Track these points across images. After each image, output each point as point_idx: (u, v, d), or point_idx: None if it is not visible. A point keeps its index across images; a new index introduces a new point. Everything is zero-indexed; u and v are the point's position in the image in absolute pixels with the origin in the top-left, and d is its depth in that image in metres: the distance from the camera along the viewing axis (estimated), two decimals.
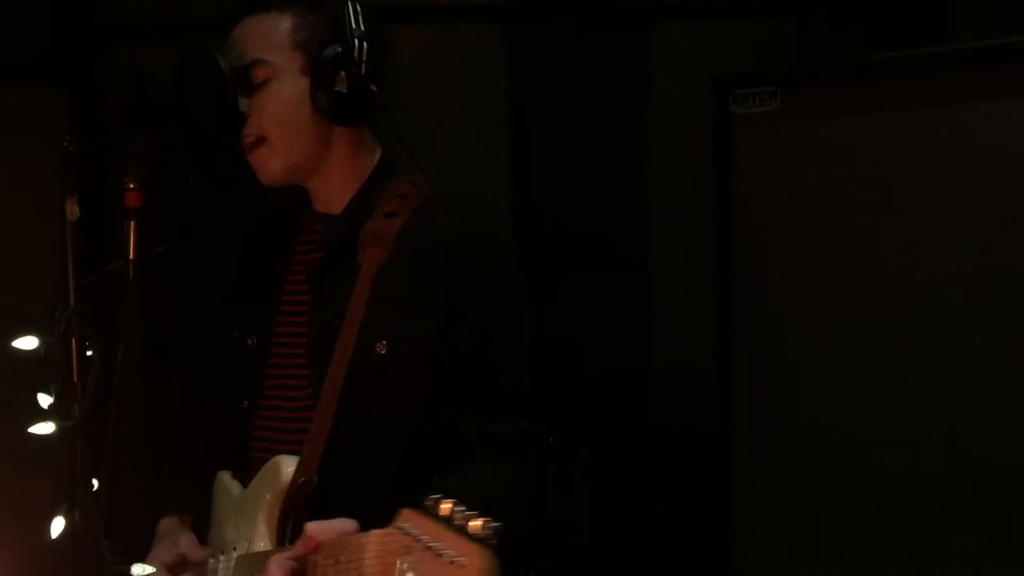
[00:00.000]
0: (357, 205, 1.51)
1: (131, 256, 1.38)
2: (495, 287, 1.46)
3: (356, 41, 1.45)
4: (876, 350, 2.33)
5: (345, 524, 1.22)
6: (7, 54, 2.51)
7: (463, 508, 0.98)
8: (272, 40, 1.46)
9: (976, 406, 2.21)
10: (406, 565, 1.00)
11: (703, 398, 2.70)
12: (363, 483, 1.37)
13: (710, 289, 2.64)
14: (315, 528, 1.22)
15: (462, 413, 1.44)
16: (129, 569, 1.38)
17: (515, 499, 1.39)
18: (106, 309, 1.35)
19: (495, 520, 0.96)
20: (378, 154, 1.55)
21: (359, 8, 1.47)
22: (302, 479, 1.40)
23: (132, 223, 1.39)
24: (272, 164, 1.49)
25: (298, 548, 1.23)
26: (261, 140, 1.48)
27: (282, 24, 1.47)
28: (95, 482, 1.34)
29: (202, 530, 1.57)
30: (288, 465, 1.42)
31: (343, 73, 1.44)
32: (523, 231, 2.82)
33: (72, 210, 1.32)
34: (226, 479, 1.56)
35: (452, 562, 0.96)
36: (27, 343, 1.26)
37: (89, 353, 1.32)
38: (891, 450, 2.31)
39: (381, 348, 1.42)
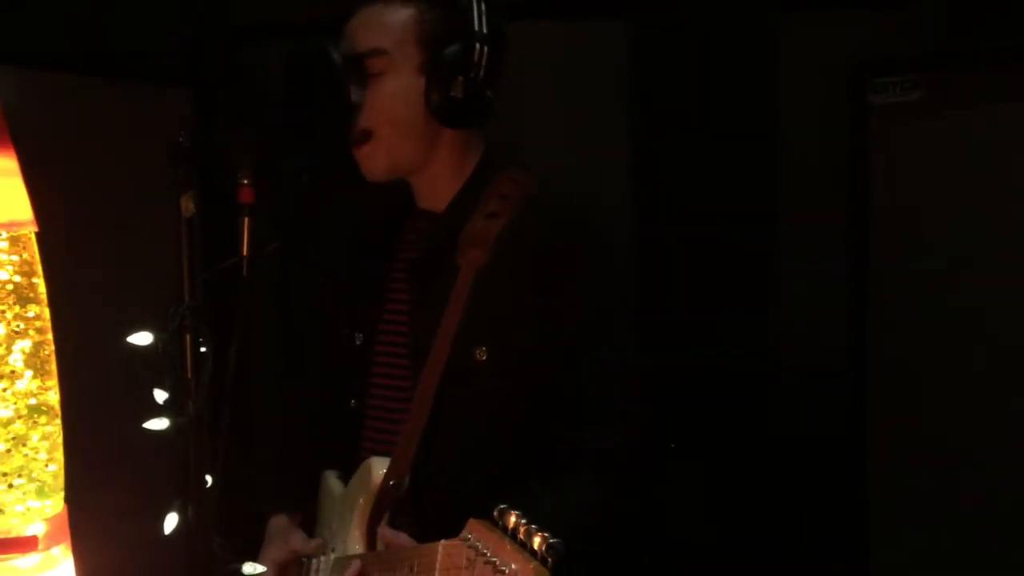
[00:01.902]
0: (458, 204, 1.48)
1: (244, 253, 1.37)
2: (592, 293, 1.42)
3: (478, 44, 1.41)
4: (1018, 357, 2.20)
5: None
6: (135, 54, 2.58)
7: (527, 522, 0.99)
8: (392, 31, 1.43)
9: None
10: (471, 573, 1.03)
11: (833, 402, 2.60)
12: (455, 487, 1.35)
13: (842, 289, 2.53)
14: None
15: (559, 420, 1.40)
16: (240, 567, 1.37)
17: (607, 511, 1.37)
18: (220, 306, 1.34)
19: (565, 536, 0.96)
20: (482, 151, 1.51)
21: (484, 7, 1.42)
22: (392, 481, 1.38)
23: (246, 219, 1.38)
24: (376, 160, 1.47)
25: None
26: (368, 135, 1.45)
27: (405, 16, 1.43)
28: (208, 479, 1.33)
29: (309, 529, 1.57)
30: (380, 467, 1.41)
31: (460, 77, 1.40)
32: (647, 230, 2.77)
33: (187, 206, 1.32)
34: (331, 479, 1.56)
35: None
36: (142, 339, 1.26)
37: (203, 349, 1.32)
38: None
39: (480, 354, 1.39)
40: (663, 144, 2.89)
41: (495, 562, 1.00)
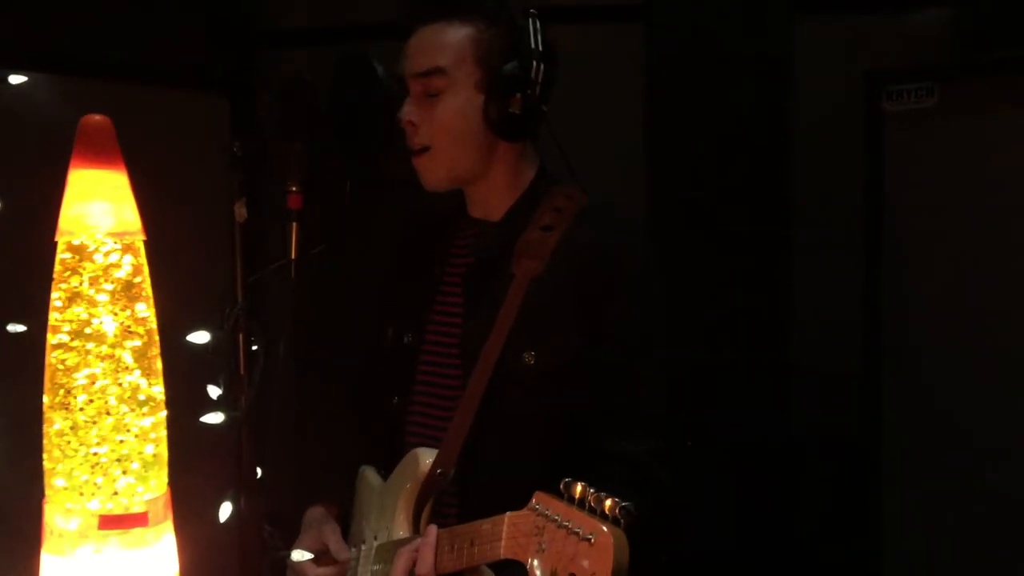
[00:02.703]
0: (514, 215, 1.54)
1: (292, 256, 1.44)
2: (640, 308, 1.48)
3: (535, 61, 1.47)
4: None
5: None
6: (169, 60, 2.65)
7: (594, 491, 1.03)
8: (453, 51, 1.47)
9: None
10: (540, 543, 1.07)
11: (845, 404, 2.64)
12: (498, 480, 1.39)
13: (856, 293, 2.58)
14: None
15: (596, 428, 1.46)
16: (289, 555, 1.44)
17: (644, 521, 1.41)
18: (271, 306, 1.41)
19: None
20: (537, 165, 1.58)
21: (539, 25, 1.48)
22: (439, 470, 1.44)
23: (294, 224, 1.45)
24: (436, 171, 1.52)
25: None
26: (427, 148, 1.51)
27: (464, 35, 1.47)
28: (259, 470, 1.40)
29: (346, 522, 1.63)
30: (427, 457, 1.47)
31: (519, 93, 1.47)
32: (661, 232, 2.81)
33: (240, 211, 1.39)
34: (369, 473, 1.62)
35: (583, 539, 1.01)
36: (200, 337, 1.33)
37: (255, 348, 1.39)
38: None
39: (529, 358, 1.45)
40: (679, 147, 2.93)
41: (567, 526, 1.03)
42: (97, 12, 2.49)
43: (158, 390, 0.94)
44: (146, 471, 0.93)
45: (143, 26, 2.56)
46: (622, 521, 1.00)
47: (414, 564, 1.35)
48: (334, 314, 1.72)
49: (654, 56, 2.95)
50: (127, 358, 0.89)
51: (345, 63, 1.54)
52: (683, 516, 1.56)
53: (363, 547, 1.57)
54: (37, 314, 0.99)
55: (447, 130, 1.49)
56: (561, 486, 1.07)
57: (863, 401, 2.58)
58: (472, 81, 1.47)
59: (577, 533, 1.03)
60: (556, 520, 1.06)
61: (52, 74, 2.21)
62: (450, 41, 1.47)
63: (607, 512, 1.01)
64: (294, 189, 1.45)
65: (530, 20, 1.48)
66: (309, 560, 1.51)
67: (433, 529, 1.37)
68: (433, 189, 1.54)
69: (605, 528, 1.00)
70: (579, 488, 1.05)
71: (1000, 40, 2.54)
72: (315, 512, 1.63)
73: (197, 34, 2.80)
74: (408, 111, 1.48)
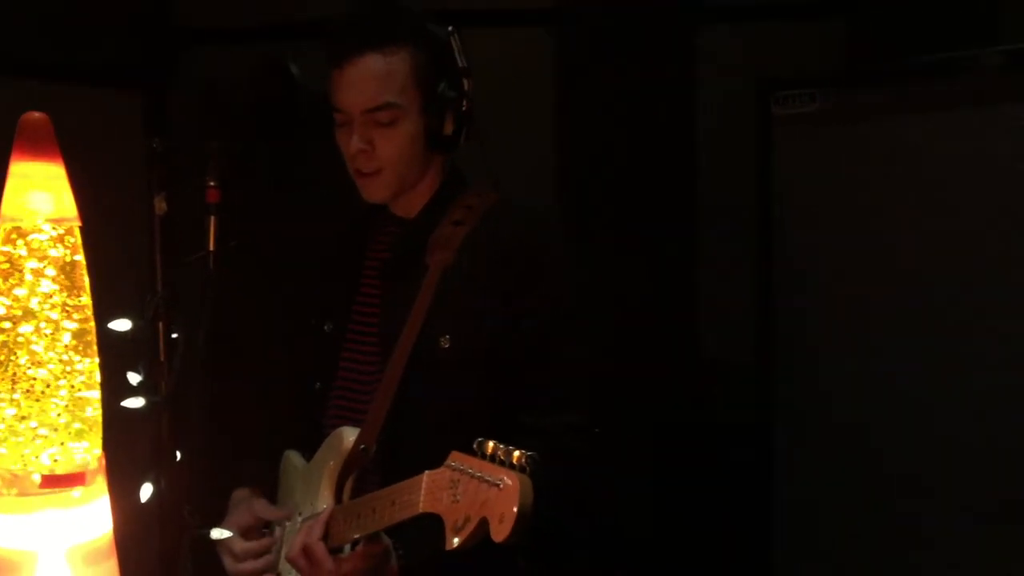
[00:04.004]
0: (428, 213, 1.64)
1: (211, 248, 1.51)
2: (551, 294, 1.59)
3: (464, 79, 1.58)
4: (912, 349, 2.37)
5: None
6: (84, 57, 2.65)
7: (504, 446, 1.15)
8: (399, 82, 1.55)
9: (1017, 403, 2.22)
10: (455, 495, 1.19)
11: (746, 394, 2.76)
12: (417, 454, 1.47)
13: (750, 286, 2.70)
14: None
15: (514, 407, 1.56)
16: (208, 532, 1.51)
17: (564, 491, 1.48)
18: (190, 296, 1.48)
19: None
20: (450, 166, 1.68)
21: (460, 43, 1.58)
22: (361, 446, 1.53)
23: (212, 218, 1.52)
24: (383, 190, 1.62)
25: None
26: (379, 171, 1.60)
27: (404, 64, 1.55)
28: (178, 453, 1.46)
29: (271, 503, 1.69)
30: (350, 435, 1.56)
31: (453, 111, 1.57)
32: (569, 232, 2.91)
33: (160, 205, 1.45)
34: (293, 456, 1.70)
35: (493, 485, 1.13)
36: (121, 325, 1.39)
37: (175, 336, 1.45)
38: (926, 446, 2.35)
39: (444, 342, 1.55)
40: (586, 149, 3.04)
41: (480, 476, 1.15)
42: (17, 9, 2.49)
43: (91, 363, 1.02)
44: (84, 436, 1.01)
45: (64, 24, 2.57)
46: (528, 469, 1.12)
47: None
48: (253, 305, 1.78)
49: (562, 61, 3.06)
50: (67, 338, 0.97)
51: (262, 65, 1.61)
52: (601, 491, 1.66)
53: (287, 524, 1.65)
54: None
55: (401, 155, 1.58)
56: (475, 445, 1.19)
57: (758, 390, 2.70)
58: (416, 107, 1.57)
59: (488, 481, 1.14)
60: (469, 472, 1.17)
61: None
62: (394, 72, 1.55)
63: (515, 462, 1.13)
64: (212, 184, 1.51)
65: (453, 40, 1.58)
66: (237, 536, 1.59)
67: (329, 506, 1.48)
68: (375, 202, 1.64)
69: (512, 475, 1.12)
70: (491, 444, 1.17)
71: (880, 50, 2.72)
72: (241, 493, 1.71)
73: (118, 32, 2.80)
74: (358, 141, 1.56)
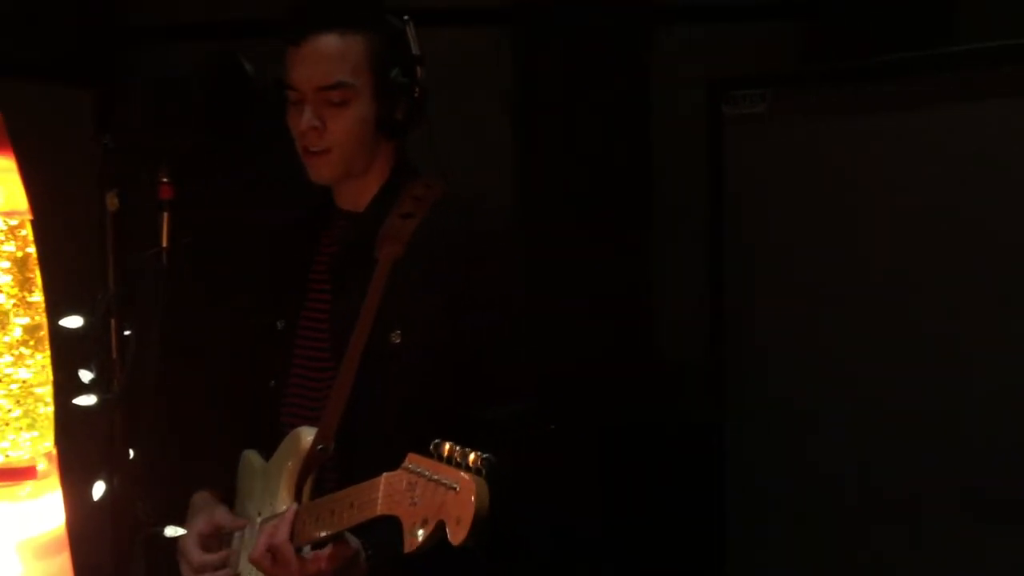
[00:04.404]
0: (377, 205, 1.65)
1: (164, 245, 1.51)
2: (497, 286, 1.60)
3: (417, 65, 1.59)
4: (863, 346, 2.40)
5: None
6: (34, 53, 2.62)
7: (460, 448, 1.17)
8: (353, 62, 1.56)
9: (960, 398, 2.26)
10: (413, 497, 1.20)
11: (699, 392, 2.79)
12: (375, 452, 1.46)
13: (704, 284, 2.73)
14: None
15: (466, 400, 1.56)
16: (162, 530, 1.51)
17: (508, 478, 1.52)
18: (143, 293, 1.47)
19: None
20: (399, 157, 1.68)
21: (414, 30, 1.59)
22: (319, 446, 1.54)
23: (165, 214, 1.52)
24: (332, 169, 1.62)
25: None
26: (328, 150, 1.60)
27: (360, 46, 1.56)
28: (131, 451, 1.46)
29: (230, 503, 1.69)
30: (307, 435, 1.56)
31: (405, 97, 1.58)
32: (526, 229, 2.93)
33: (112, 201, 1.45)
34: (252, 456, 1.69)
35: (450, 488, 1.15)
36: (73, 322, 1.38)
37: (127, 333, 1.45)
38: (878, 441, 2.38)
39: (395, 337, 1.56)
40: (545, 148, 3.06)
41: (436, 479, 1.17)
42: None
43: (43, 357, 1.01)
44: (34, 430, 1.00)
45: (12, 19, 2.54)
46: (484, 471, 1.14)
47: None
48: (206, 302, 1.78)
49: (519, 60, 3.08)
50: (17, 332, 0.96)
51: (214, 61, 1.61)
52: (549, 484, 1.68)
53: (247, 528, 1.64)
54: None
55: (351, 136, 1.58)
56: (431, 446, 1.20)
57: (711, 388, 2.73)
58: (369, 90, 1.57)
59: (444, 484, 1.16)
60: (427, 475, 1.19)
61: None
62: (350, 52, 1.56)
63: (471, 464, 1.15)
64: (165, 180, 1.51)
65: (408, 28, 1.59)
66: (196, 546, 1.58)
67: (294, 506, 1.47)
68: (321, 183, 1.64)
69: (468, 477, 1.14)
70: (447, 446, 1.18)
71: (828, 53, 2.77)
72: (202, 497, 1.69)
73: (69, 27, 2.78)
74: (310, 119, 1.56)
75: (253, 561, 1.48)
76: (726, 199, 2.62)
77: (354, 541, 1.44)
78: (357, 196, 1.67)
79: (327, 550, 1.42)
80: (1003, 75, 2.21)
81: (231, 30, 2.89)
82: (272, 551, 1.45)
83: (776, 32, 3.00)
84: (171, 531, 1.52)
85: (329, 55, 1.56)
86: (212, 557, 1.61)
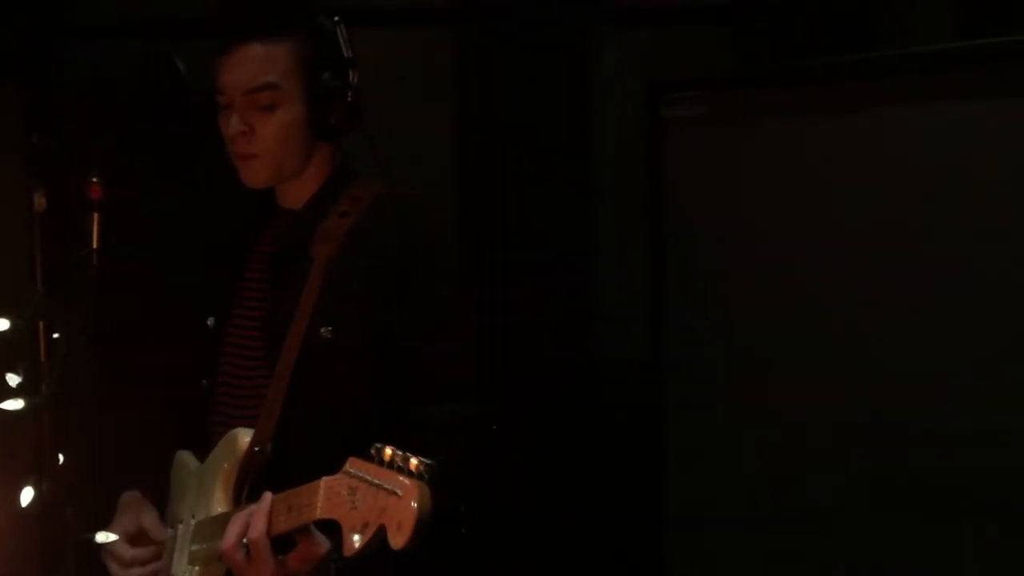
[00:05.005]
0: (315, 204, 1.64)
1: (94, 245, 1.48)
2: (434, 287, 1.60)
3: (350, 68, 1.59)
4: (802, 348, 2.43)
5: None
6: None
7: (402, 452, 1.17)
8: (282, 65, 1.56)
9: (899, 390, 2.28)
10: (353, 501, 1.19)
11: (641, 392, 2.82)
12: (313, 454, 1.46)
13: (645, 285, 2.76)
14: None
15: (403, 399, 1.56)
16: (93, 536, 1.48)
17: (454, 478, 1.47)
18: (72, 295, 1.44)
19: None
20: (338, 158, 1.68)
21: (346, 33, 1.59)
22: (256, 448, 1.52)
23: (95, 215, 1.49)
24: (263, 174, 1.61)
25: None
26: (256, 155, 1.59)
27: (289, 49, 1.56)
28: (61, 456, 1.43)
29: (161, 505, 1.67)
30: (244, 436, 1.54)
31: (338, 100, 1.58)
32: (466, 230, 2.93)
33: (40, 202, 1.42)
34: (186, 456, 1.67)
35: (391, 493, 1.15)
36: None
37: (56, 335, 1.42)
38: (816, 436, 2.41)
39: (327, 333, 1.55)
40: (486, 149, 3.06)
41: (378, 484, 1.17)
42: None
43: None
44: None
45: None
46: (425, 476, 1.14)
47: (246, 530, 1.41)
48: (137, 302, 1.75)
49: (461, 62, 3.08)
50: None
51: (149, 60, 1.59)
52: (491, 476, 1.68)
53: (180, 527, 1.62)
54: None
55: (278, 140, 1.58)
56: (372, 450, 1.20)
57: (651, 388, 2.75)
58: (298, 93, 1.57)
59: (386, 489, 1.16)
60: (368, 480, 1.19)
61: None
62: (278, 56, 1.56)
63: (412, 469, 1.15)
64: (95, 180, 1.48)
65: (339, 31, 1.59)
66: (124, 543, 1.55)
67: (268, 496, 1.42)
68: (254, 187, 1.63)
69: (409, 482, 1.14)
70: (388, 451, 1.18)
71: (766, 55, 2.80)
72: (130, 496, 1.67)
73: None
74: (237, 123, 1.56)
75: (225, 552, 1.42)
76: (666, 200, 2.64)
77: (325, 541, 1.40)
78: (296, 194, 1.66)
79: (299, 549, 1.39)
80: (951, 79, 2.24)
81: (168, 29, 2.85)
82: (251, 544, 1.39)
83: (718, 37, 3.04)
84: (102, 537, 1.49)
85: (254, 59, 1.56)
86: (141, 551, 1.59)
